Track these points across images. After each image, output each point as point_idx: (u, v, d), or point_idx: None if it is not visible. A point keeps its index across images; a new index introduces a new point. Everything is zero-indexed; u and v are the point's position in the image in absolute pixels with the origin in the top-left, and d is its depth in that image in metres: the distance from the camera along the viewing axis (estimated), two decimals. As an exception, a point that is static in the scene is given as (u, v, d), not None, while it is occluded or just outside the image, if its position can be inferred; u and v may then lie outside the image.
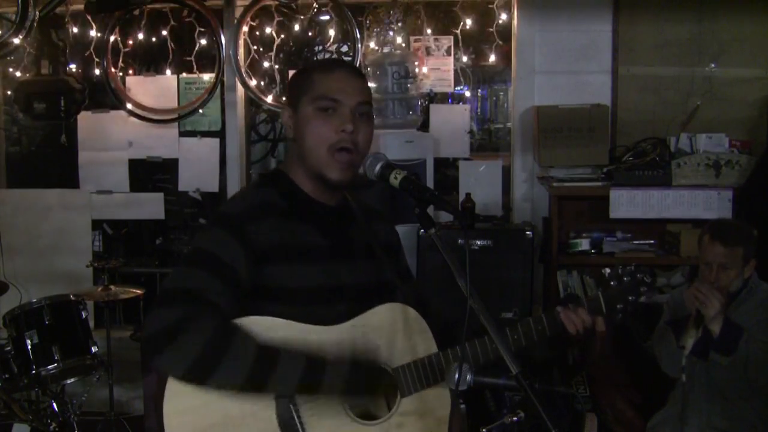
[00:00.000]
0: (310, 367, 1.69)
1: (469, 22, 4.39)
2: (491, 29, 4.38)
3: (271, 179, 1.91)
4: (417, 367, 1.83)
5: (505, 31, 4.41)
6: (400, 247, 2.12)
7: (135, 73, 4.69)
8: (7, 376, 3.54)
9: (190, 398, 1.68)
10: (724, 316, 2.69)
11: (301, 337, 1.75)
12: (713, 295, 2.66)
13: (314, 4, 4.37)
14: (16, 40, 3.63)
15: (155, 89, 4.63)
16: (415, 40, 4.51)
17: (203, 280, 1.69)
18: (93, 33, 4.49)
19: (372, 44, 4.46)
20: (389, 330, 1.84)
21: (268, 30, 4.48)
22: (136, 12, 4.44)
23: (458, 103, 4.70)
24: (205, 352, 1.62)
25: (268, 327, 1.73)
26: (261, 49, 4.56)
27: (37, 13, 3.69)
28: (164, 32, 4.53)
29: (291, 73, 4.55)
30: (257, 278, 1.75)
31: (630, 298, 1.89)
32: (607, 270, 1.92)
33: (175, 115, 4.60)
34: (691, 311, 2.71)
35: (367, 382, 1.76)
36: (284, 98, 1.99)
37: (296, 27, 4.49)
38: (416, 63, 4.43)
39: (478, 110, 4.85)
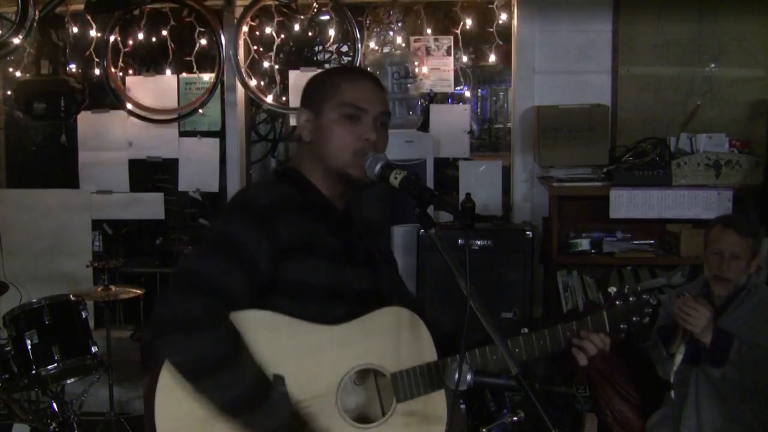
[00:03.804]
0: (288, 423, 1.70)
1: (469, 22, 4.39)
2: (491, 29, 4.37)
3: (288, 175, 1.92)
4: (416, 373, 1.83)
5: (505, 31, 4.40)
6: (395, 260, 2.13)
7: (135, 73, 4.69)
8: (7, 376, 3.54)
9: (182, 392, 1.69)
10: (714, 326, 2.67)
11: (303, 336, 1.76)
12: (700, 308, 2.64)
13: (314, 4, 4.37)
14: (16, 40, 3.63)
15: (155, 89, 4.63)
16: (415, 40, 4.50)
17: (227, 267, 1.69)
18: (93, 33, 4.48)
19: (372, 44, 4.46)
20: (391, 333, 1.84)
21: (268, 30, 4.47)
22: (136, 12, 4.44)
23: (458, 103, 4.70)
24: (209, 357, 1.64)
25: (271, 324, 1.74)
26: (261, 49, 4.56)
27: (37, 13, 3.69)
28: (164, 32, 4.53)
29: (290, 72, 4.56)
30: (274, 272, 1.76)
31: (634, 318, 1.90)
32: (613, 288, 1.93)
33: (175, 115, 4.60)
34: (678, 324, 2.70)
35: None
36: (302, 100, 1.95)
37: (296, 27, 4.49)
38: (416, 63, 4.43)
39: (478, 110, 4.85)
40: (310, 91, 1.94)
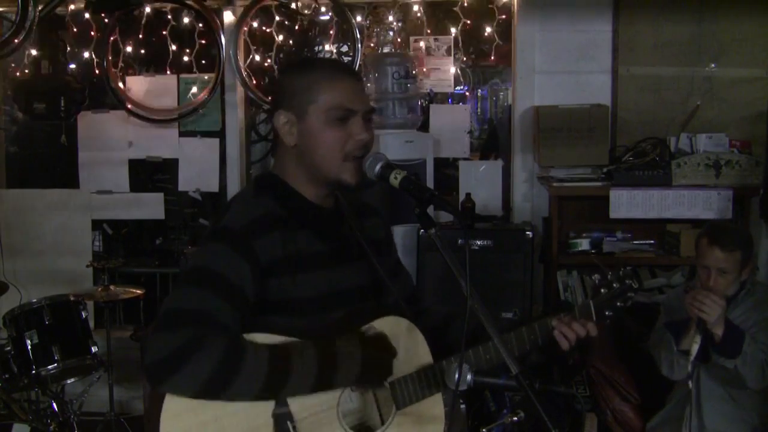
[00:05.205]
0: (322, 370, 1.69)
1: (469, 22, 4.39)
2: (491, 29, 4.37)
3: (269, 186, 1.87)
4: (413, 379, 1.83)
5: (505, 31, 4.41)
6: (390, 240, 2.11)
7: (135, 73, 4.69)
8: (7, 376, 3.54)
9: (187, 401, 1.67)
10: (725, 319, 2.67)
11: None
12: (713, 300, 2.64)
13: (314, 4, 4.37)
14: (16, 40, 3.63)
15: (155, 89, 4.63)
16: (415, 40, 4.51)
17: (210, 301, 1.66)
18: (93, 33, 4.49)
19: (372, 44, 4.46)
20: None
21: (268, 30, 4.48)
22: (136, 12, 4.44)
23: (458, 103, 4.70)
24: (217, 371, 1.60)
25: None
26: (261, 49, 4.56)
27: (37, 13, 3.69)
28: (164, 32, 4.53)
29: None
30: (261, 293, 1.74)
31: (618, 304, 1.92)
32: (597, 277, 1.94)
33: (175, 115, 4.60)
34: (692, 316, 2.69)
35: (378, 374, 1.78)
36: (277, 101, 1.87)
37: (296, 27, 4.49)
38: (416, 63, 4.43)
39: (478, 110, 4.85)
40: (286, 91, 1.84)
